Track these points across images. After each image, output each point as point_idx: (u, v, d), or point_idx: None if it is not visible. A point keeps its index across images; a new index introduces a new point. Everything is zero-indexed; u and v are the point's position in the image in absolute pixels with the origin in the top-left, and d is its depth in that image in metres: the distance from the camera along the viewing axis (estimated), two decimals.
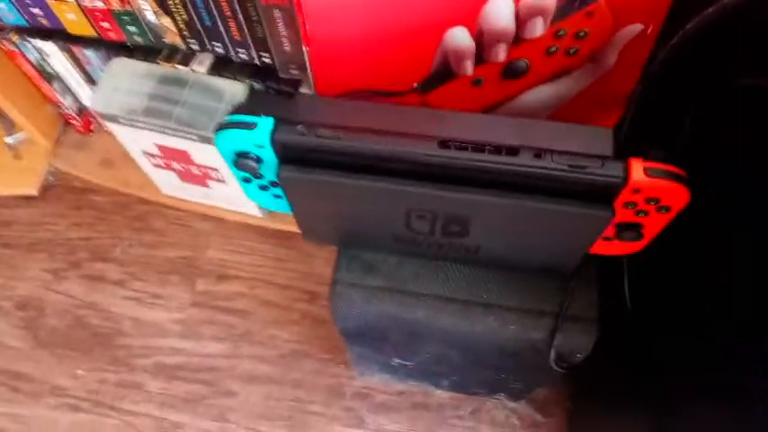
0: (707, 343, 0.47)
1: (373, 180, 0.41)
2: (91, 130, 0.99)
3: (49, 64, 0.87)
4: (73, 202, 1.00)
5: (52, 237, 0.98)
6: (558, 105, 0.51)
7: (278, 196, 0.49)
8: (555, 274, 0.51)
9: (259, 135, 0.41)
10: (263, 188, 0.48)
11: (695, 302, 0.48)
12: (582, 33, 0.45)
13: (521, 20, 0.44)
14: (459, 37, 0.44)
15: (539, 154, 0.39)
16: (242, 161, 0.43)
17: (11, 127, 0.99)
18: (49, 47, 0.83)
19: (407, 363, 0.71)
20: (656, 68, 0.46)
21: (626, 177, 0.38)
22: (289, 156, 0.42)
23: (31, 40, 0.83)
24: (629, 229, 0.43)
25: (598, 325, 0.49)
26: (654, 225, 0.43)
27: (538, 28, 0.44)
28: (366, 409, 0.83)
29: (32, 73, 0.89)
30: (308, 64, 0.48)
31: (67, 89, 0.91)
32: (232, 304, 0.91)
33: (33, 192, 1.00)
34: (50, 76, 0.89)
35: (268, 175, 0.46)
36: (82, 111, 0.96)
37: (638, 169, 0.38)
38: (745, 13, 0.42)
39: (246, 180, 0.48)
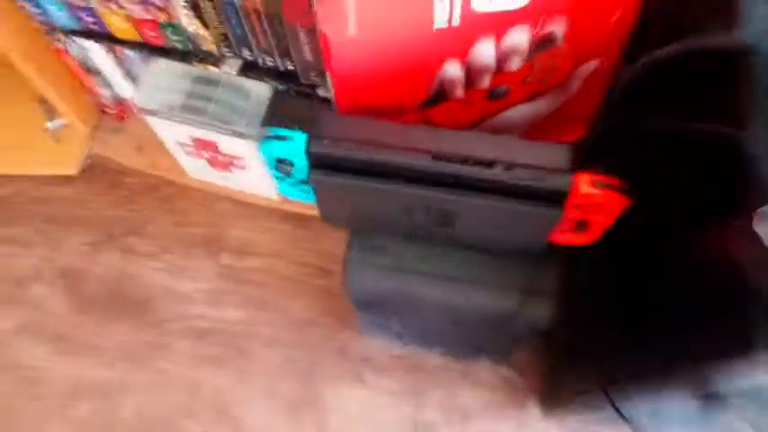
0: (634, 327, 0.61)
1: (381, 183, 0.55)
2: (124, 118, 1.13)
3: (91, 60, 1.00)
4: (108, 183, 1.15)
5: (90, 213, 1.13)
6: (534, 121, 0.65)
7: (306, 191, 0.62)
8: (527, 257, 0.65)
9: (295, 147, 0.55)
10: (295, 185, 0.62)
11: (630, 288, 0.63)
12: (550, 67, 0.59)
13: (501, 58, 0.57)
14: (453, 70, 0.57)
15: (509, 167, 0.53)
16: (281, 165, 0.57)
17: (52, 113, 1.12)
18: (93, 46, 0.96)
19: (406, 329, 0.86)
20: (611, 97, 0.59)
21: (574, 187, 0.52)
22: (317, 162, 0.56)
23: (77, 39, 0.95)
24: (581, 226, 0.57)
25: (558, 300, 0.63)
26: (600, 223, 0.57)
27: (515, 64, 0.58)
28: (369, 371, 0.99)
29: (75, 67, 1.02)
30: (330, 86, 0.62)
31: (106, 82, 1.05)
32: (253, 277, 1.06)
33: (73, 172, 1.14)
34: (91, 70, 1.03)
35: (299, 176, 0.59)
36: (117, 101, 1.09)
37: (583, 182, 0.52)
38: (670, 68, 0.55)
39: (281, 178, 0.62)
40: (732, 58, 0.45)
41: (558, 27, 0.54)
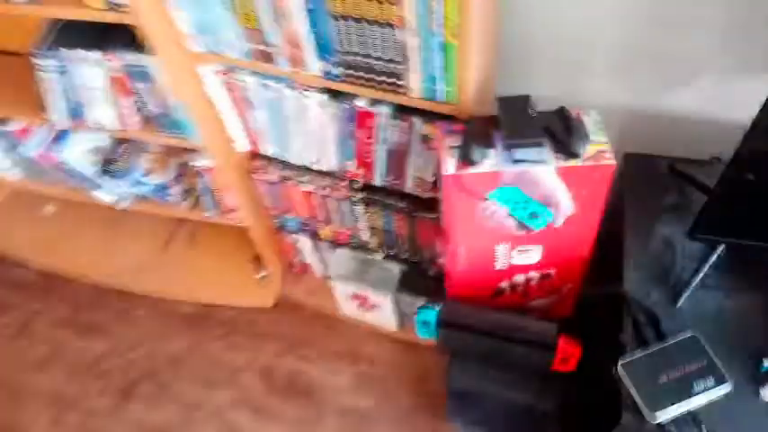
0: None
1: (471, 336, 1.30)
2: (304, 273, 1.95)
3: (298, 243, 1.82)
4: (291, 313, 1.95)
5: (279, 331, 1.92)
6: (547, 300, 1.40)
7: (429, 332, 1.37)
8: (546, 377, 1.36)
9: (431, 315, 1.31)
10: (428, 330, 1.37)
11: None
12: (550, 284, 1.34)
13: (527, 280, 1.33)
14: (504, 284, 1.34)
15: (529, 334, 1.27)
16: (424, 324, 1.33)
17: (262, 267, 1.95)
18: (304, 238, 1.79)
19: (479, 421, 1.57)
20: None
21: (558, 341, 1.25)
22: (442, 324, 1.31)
23: (296, 235, 1.78)
24: (564, 360, 1.29)
25: (560, 399, 1.34)
26: (573, 359, 1.28)
27: (534, 282, 1.33)
28: None
29: (286, 244, 1.85)
30: (444, 282, 1.38)
31: (301, 254, 1.87)
32: (378, 379, 1.79)
33: (269, 305, 1.95)
34: (295, 247, 1.85)
35: (430, 326, 1.35)
36: (304, 263, 1.91)
37: (561, 340, 1.25)
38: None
39: (419, 325, 1.37)
40: (619, 298, 1.19)
41: (551, 271, 1.31)
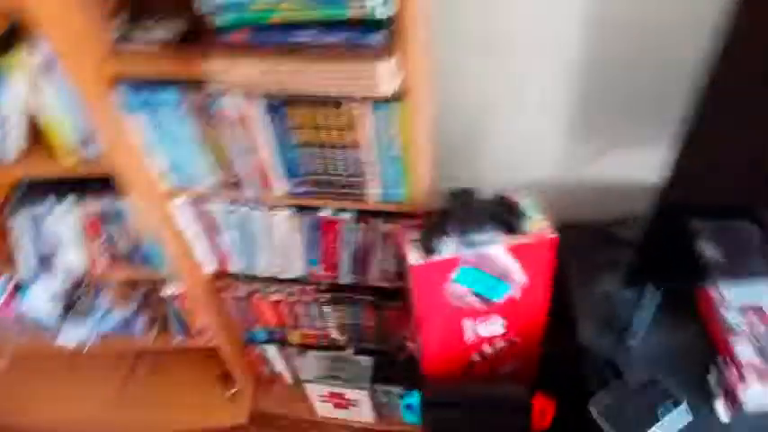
0: None
1: (448, 411, 1.41)
2: (275, 382, 2.00)
3: (266, 353, 1.89)
4: (266, 426, 1.97)
5: None
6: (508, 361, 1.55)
7: (416, 416, 1.47)
8: None
9: (414, 399, 1.42)
10: (413, 414, 1.47)
11: None
12: (511, 348, 1.50)
13: (492, 349, 1.48)
14: (475, 356, 1.48)
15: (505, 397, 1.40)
16: (408, 407, 1.43)
17: (232, 383, 1.98)
18: (273, 348, 1.86)
19: None
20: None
21: (533, 400, 1.39)
22: (424, 404, 1.42)
23: (266, 346, 1.85)
24: (542, 414, 1.42)
25: None
26: (548, 417, 1.42)
27: (499, 348, 1.49)
28: None
29: (255, 356, 1.91)
30: (420, 369, 1.51)
31: (271, 364, 1.93)
32: None
33: (243, 421, 1.97)
34: (265, 359, 1.91)
35: (416, 413, 1.45)
36: (273, 372, 1.97)
37: (536, 398, 1.39)
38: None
39: (404, 410, 1.47)
40: (576, 349, 1.36)
41: (514, 338, 1.47)
